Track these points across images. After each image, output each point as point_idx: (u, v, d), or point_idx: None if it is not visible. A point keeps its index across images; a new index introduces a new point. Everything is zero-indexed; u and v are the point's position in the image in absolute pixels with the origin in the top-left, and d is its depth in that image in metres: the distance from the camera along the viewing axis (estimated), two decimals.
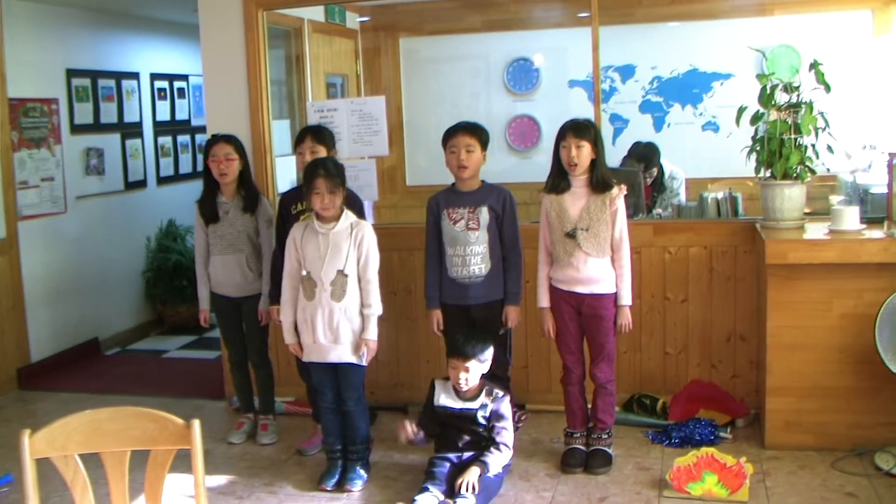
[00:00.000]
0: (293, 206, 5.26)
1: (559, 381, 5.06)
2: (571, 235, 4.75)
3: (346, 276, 4.71)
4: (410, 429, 4.71)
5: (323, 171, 4.69)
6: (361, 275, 4.77)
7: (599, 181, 4.76)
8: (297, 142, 5.31)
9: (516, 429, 5.12)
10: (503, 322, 5.05)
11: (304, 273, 4.77)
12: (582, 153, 4.71)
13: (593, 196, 4.77)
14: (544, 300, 4.94)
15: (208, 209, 5.48)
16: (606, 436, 4.98)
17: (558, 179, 4.82)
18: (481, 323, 4.98)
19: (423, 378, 5.81)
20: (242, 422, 5.73)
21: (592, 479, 4.84)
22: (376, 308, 4.80)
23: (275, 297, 5.23)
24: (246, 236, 5.47)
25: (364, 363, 4.83)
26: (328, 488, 4.85)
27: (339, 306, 4.71)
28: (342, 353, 4.76)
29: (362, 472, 4.93)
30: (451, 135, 4.94)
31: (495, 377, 4.92)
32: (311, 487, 4.92)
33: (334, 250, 4.72)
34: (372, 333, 4.78)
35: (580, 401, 5.00)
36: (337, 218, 4.76)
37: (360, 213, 5.01)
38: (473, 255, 4.94)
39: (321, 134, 5.29)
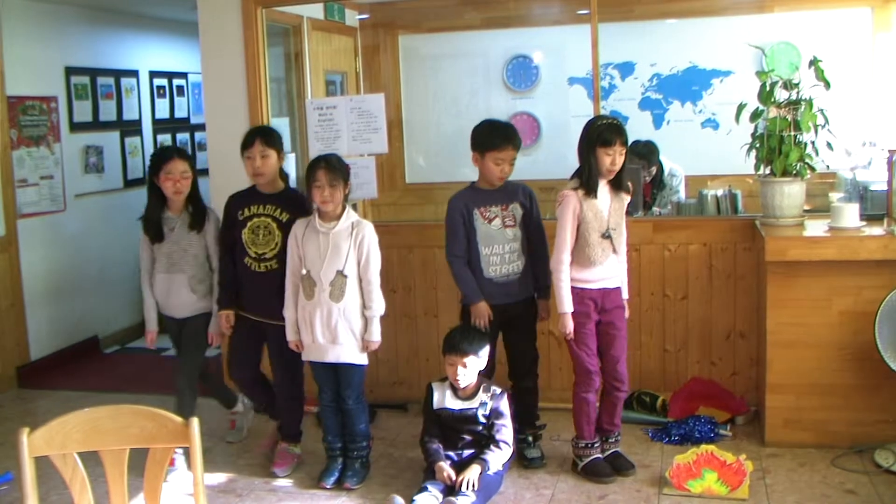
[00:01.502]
0: (240, 211, 5.04)
1: (574, 391, 4.86)
2: (607, 236, 4.71)
3: (345, 276, 4.71)
4: (447, 473, 4.60)
5: (325, 163, 4.69)
6: (362, 275, 4.75)
7: (625, 183, 4.77)
8: (246, 145, 4.98)
9: (539, 438, 5.08)
10: (542, 316, 5.01)
11: (303, 272, 4.76)
12: (622, 158, 4.68)
13: (614, 196, 4.75)
14: (570, 304, 4.72)
15: (154, 227, 5.13)
16: (620, 436, 4.99)
17: (593, 182, 4.67)
18: (518, 320, 4.92)
19: (423, 376, 5.80)
20: (234, 419, 5.72)
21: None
22: (378, 309, 4.78)
23: (224, 302, 5.09)
24: (192, 256, 5.15)
25: (365, 362, 4.83)
26: (328, 486, 4.85)
27: (338, 307, 4.71)
28: (340, 353, 4.76)
29: (362, 470, 4.93)
30: (500, 148, 4.78)
31: (528, 373, 4.99)
32: (311, 485, 4.93)
33: (334, 250, 4.71)
34: (375, 335, 4.78)
35: (597, 409, 4.89)
36: (338, 217, 4.75)
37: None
38: (511, 252, 4.87)
39: (272, 136, 5.03)
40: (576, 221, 4.67)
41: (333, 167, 4.68)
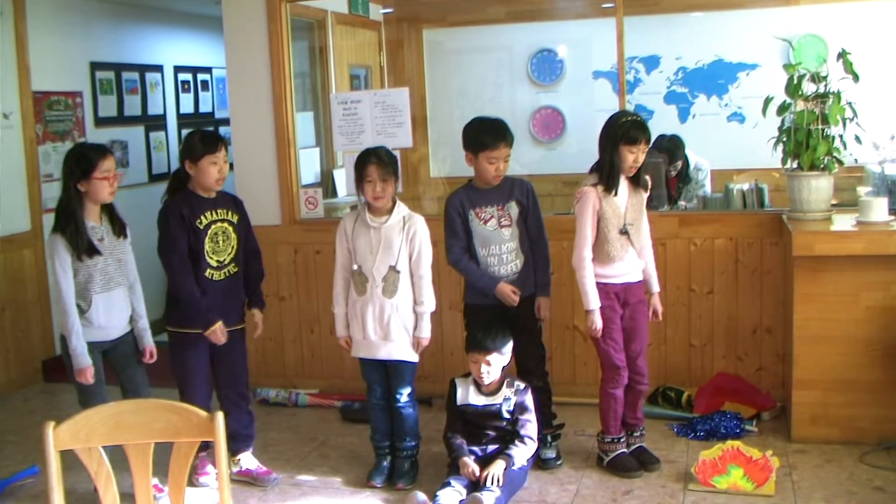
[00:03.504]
0: (197, 220, 4.70)
1: (602, 387, 4.83)
2: (624, 232, 4.67)
3: (398, 272, 4.66)
4: (471, 468, 4.57)
5: (376, 158, 4.63)
6: (414, 270, 4.70)
7: (643, 179, 4.74)
8: (212, 150, 4.64)
9: (558, 438, 5.05)
10: (541, 316, 4.90)
11: (355, 267, 4.72)
12: (643, 156, 4.64)
13: (632, 192, 4.72)
14: (596, 300, 4.66)
15: (84, 240, 4.42)
16: (645, 430, 4.97)
17: (614, 179, 4.61)
18: (518, 320, 4.83)
19: (447, 371, 5.79)
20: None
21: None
22: (429, 305, 4.74)
23: (214, 316, 4.70)
24: (124, 266, 4.65)
25: (416, 358, 4.79)
26: (378, 485, 4.80)
27: (391, 303, 4.66)
28: (392, 350, 4.71)
29: (412, 469, 4.86)
30: (491, 147, 4.68)
31: (531, 372, 4.89)
32: (334, 480, 4.93)
33: (386, 245, 4.66)
34: (425, 331, 4.74)
35: (623, 404, 4.85)
36: (389, 211, 4.70)
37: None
38: (509, 252, 4.79)
39: (226, 142, 4.83)
40: (595, 218, 4.63)
41: (385, 162, 4.62)
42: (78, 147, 4.61)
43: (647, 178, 4.81)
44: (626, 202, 4.68)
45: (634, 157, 4.59)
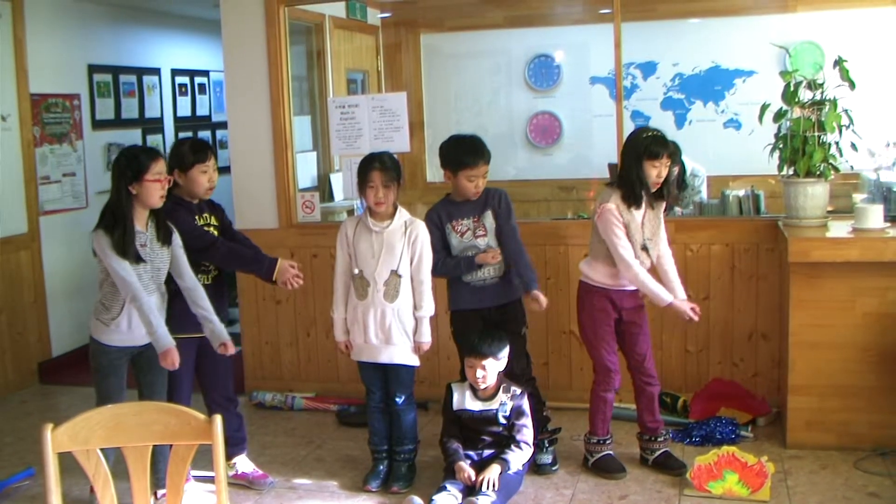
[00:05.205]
0: (194, 221, 4.71)
1: (593, 389, 4.87)
2: (645, 248, 4.70)
3: (399, 276, 4.66)
4: (467, 473, 4.57)
5: (378, 164, 4.63)
6: (414, 275, 4.70)
7: (671, 191, 4.78)
8: (202, 159, 4.65)
9: (554, 443, 5.05)
10: (537, 308, 4.85)
11: (356, 272, 4.72)
12: (667, 171, 4.66)
13: (651, 206, 4.73)
14: (667, 294, 4.69)
15: (132, 246, 4.30)
16: (669, 434, 5.02)
17: (638, 195, 4.61)
18: (500, 326, 4.87)
19: (443, 375, 5.80)
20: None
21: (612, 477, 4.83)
22: (428, 309, 4.75)
23: (269, 259, 4.69)
24: (163, 275, 4.45)
25: (417, 363, 4.80)
26: (373, 489, 4.80)
27: (392, 307, 4.67)
28: (393, 354, 4.71)
29: (409, 473, 4.87)
30: (472, 166, 4.74)
31: (517, 377, 4.87)
32: (330, 483, 4.93)
33: (388, 250, 4.66)
34: (426, 335, 4.75)
35: (612, 407, 4.91)
36: (391, 215, 4.70)
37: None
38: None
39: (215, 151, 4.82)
40: (624, 230, 4.64)
41: (387, 168, 4.63)
42: (129, 150, 4.50)
43: (675, 190, 4.82)
44: (641, 216, 4.70)
45: (657, 171, 4.60)
